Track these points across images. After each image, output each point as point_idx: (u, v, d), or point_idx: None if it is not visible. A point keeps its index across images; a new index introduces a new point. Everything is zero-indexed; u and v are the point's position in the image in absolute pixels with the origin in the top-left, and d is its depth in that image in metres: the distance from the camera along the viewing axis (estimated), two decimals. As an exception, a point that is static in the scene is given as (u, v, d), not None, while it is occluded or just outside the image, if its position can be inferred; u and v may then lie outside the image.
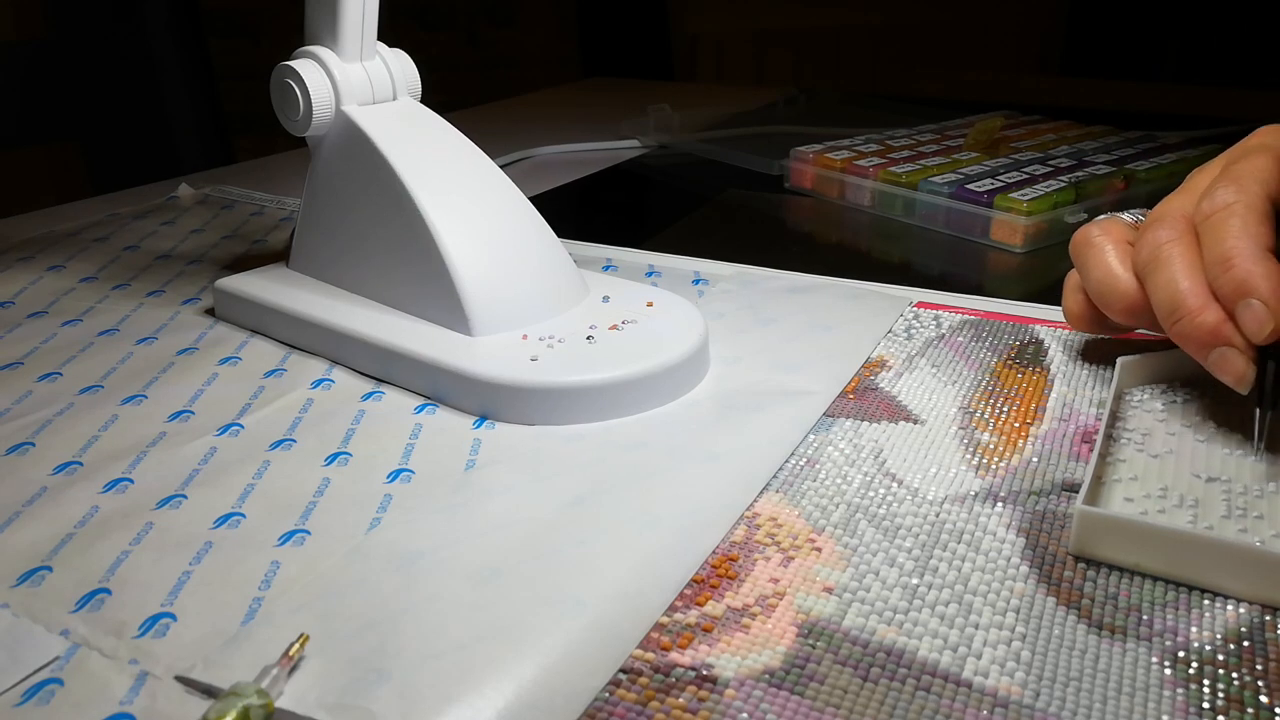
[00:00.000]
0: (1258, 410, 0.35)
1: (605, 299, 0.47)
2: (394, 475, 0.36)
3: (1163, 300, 0.36)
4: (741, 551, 0.32)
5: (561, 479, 0.36)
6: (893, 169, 0.69)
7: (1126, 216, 0.42)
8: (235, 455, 0.38)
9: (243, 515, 0.34)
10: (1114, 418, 0.39)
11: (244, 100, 1.64)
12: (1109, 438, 0.37)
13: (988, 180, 0.66)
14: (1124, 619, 0.29)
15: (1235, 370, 0.34)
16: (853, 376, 0.43)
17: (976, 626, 0.28)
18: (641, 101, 0.94)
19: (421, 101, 0.50)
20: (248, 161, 0.92)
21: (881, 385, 0.43)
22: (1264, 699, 0.26)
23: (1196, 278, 0.35)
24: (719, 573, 0.31)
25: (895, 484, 0.35)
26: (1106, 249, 0.40)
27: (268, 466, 0.37)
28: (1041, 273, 0.59)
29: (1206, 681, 0.26)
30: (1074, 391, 0.42)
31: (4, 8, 1.37)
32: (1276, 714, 0.25)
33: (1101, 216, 0.42)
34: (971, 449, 0.38)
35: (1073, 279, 0.43)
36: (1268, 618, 0.28)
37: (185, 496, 0.35)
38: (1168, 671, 0.27)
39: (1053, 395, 0.42)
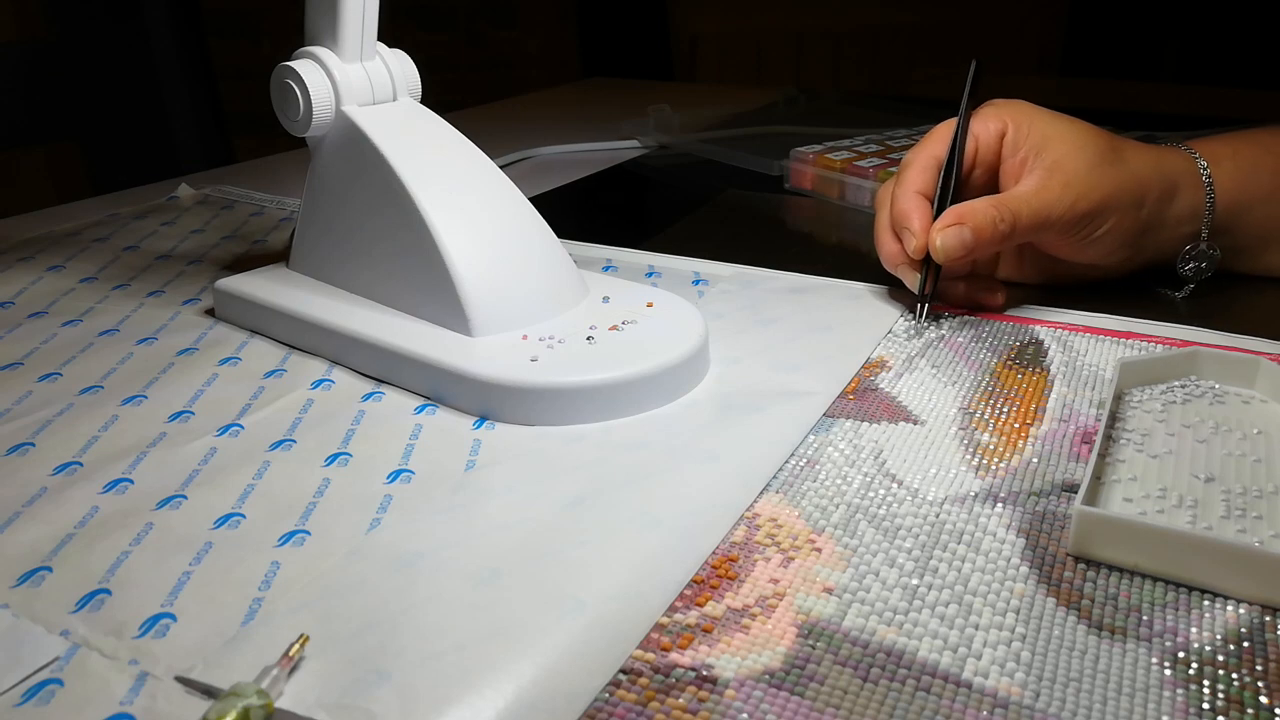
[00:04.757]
0: (920, 301, 0.49)
1: (605, 299, 0.47)
2: (394, 476, 0.36)
3: (874, 239, 0.51)
4: (741, 552, 0.32)
5: (561, 479, 0.36)
6: (892, 169, 0.69)
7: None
8: (235, 455, 0.38)
9: (243, 515, 0.34)
10: (1114, 418, 0.39)
11: (244, 100, 1.64)
12: (1108, 438, 0.37)
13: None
14: (1124, 619, 0.29)
15: (907, 278, 0.49)
16: (853, 377, 0.43)
17: (976, 627, 0.28)
18: (641, 101, 0.94)
19: (421, 102, 0.50)
20: (248, 161, 0.92)
21: (881, 386, 0.43)
22: (1264, 699, 0.26)
23: (886, 221, 0.50)
24: (719, 573, 0.31)
25: (895, 484, 0.35)
26: (880, 211, 0.52)
27: (268, 467, 0.37)
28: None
29: (1206, 682, 0.26)
30: (1074, 392, 0.42)
31: (4, 8, 1.37)
32: (1276, 714, 0.25)
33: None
34: (971, 450, 0.38)
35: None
36: (1268, 618, 0.28)
37: (185, 497, 0.35)
38: (1168, 672, 0.27)
39: (1053, 396, 0.42)
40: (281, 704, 0.25)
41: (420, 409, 0.41)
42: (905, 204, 0.48)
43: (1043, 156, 0.47)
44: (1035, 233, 0.47)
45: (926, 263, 0.48)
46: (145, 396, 0.43)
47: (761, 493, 0.35)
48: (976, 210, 0.46)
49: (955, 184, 0.48)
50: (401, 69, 0.49)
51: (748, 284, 0.54)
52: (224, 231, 0.67)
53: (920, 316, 0.49)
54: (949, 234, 0.46)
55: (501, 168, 0.49)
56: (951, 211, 0.46)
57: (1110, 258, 0.49)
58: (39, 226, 0.68)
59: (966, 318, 0.49)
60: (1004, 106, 0.50)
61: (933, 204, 0.48)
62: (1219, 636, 0.28)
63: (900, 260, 0.49)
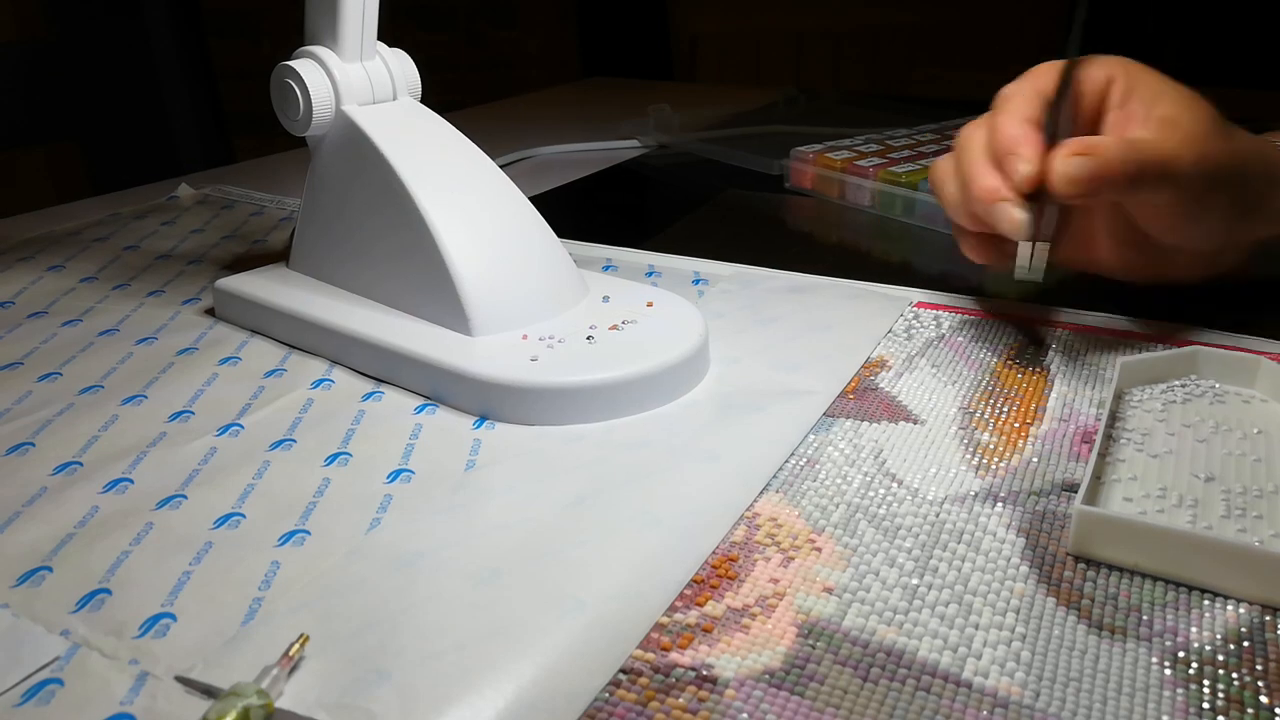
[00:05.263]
0: (1031, 241, 0.42)
1: (605, 299, 0.47)
2: (394, 475, 0.36)
3: (963, 182, 0.43)
4: (741, 552, 0.32)
5: (561, 479, 0.36)
6: (893, 169, 0.69)
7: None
8: (235, 455, 0.38)
9: (243, 515, 0.34)
10: (1114, 418, 0.39)
11: (244, 100, 1.64)
12: (1109, 438, 0.37)
13: (988, 180, 0.66)
14: (1124, 619, 0.29)
15: (1010, 219, 0.41)
16: (853, 376, 0.43)
17: (976, 627, 0.28)
18: (641, 101, 0.94)
19: (421, 101, 0.50)
20: (248, 161, 0.92)
21: (881, 385, 0.43)
22: (1264, 699, 0.26)
23: (980, 156, 0.43)
24: (719, 573, 0.31)
25: (895, 484, 0.35)
26: (941, 167, 0.46)
27: (268, 466, 0.37)
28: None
29: (1206, 682, 0.26)
30: (1074, 391, 0.42)
31: (4, 8, 1.37)
32: (1276, 714, 0.25)
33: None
34: (971, 449, 0.38)
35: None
36: (1268, 618, 0.28)
37: (185, 496, 0.35)
38: (1168, 672, 0.27)
39: (1053, 395, 0.42)
40: (281, 704, 0.25)
41: (420, 409, 0.41)
42: (1013, 129, 0.42)
43: (1155, 110, 0.41)
44: (1158, 184, 0.40)
45: (1035, 200, 0.41)
46: (145, 396, 0.43)
47: (761, 492, 0.35)
48: (1104, 142, 0.40)
49: (1061, 127, 0.42)
50: (401, 69, 0.49)
51: (748, 284, 0.54)
52: (224, 231, 0.67)
53: (1030, 263, 0.42)
54: (1074, 162, 0.39)
55: (501, 168, 0.49)
56: (1074, 141, 0.40)
57: (1208, 240, 0.44)
58: (39, 226, 0.68)
59: (967, 317, 0.49)
60: (1106, 60, 0.44)
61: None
62: (1219, 636, 0.28)
63: (999, 196, 0.41)
